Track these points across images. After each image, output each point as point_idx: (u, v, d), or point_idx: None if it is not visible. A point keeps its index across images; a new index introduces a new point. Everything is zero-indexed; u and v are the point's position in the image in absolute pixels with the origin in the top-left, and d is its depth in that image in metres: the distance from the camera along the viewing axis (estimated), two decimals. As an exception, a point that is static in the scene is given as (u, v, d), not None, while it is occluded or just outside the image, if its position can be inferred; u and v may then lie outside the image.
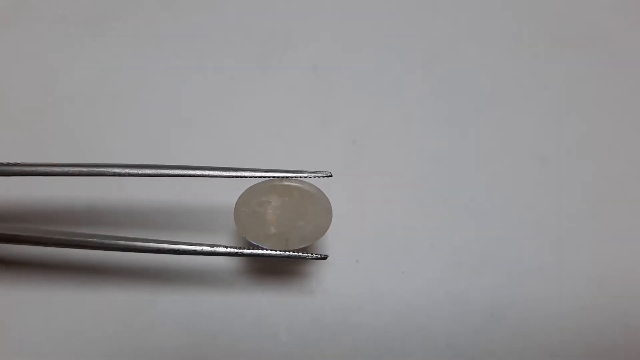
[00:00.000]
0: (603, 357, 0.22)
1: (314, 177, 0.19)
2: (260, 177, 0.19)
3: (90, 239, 0.19)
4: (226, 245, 0.19)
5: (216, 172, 0.19)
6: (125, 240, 0.19)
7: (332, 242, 0.23)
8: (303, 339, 0.22)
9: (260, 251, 0.19)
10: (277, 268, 0.22)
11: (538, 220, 0.23)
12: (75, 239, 0.19)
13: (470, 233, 0.23)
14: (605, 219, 0.24)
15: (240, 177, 0.19)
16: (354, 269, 0.23)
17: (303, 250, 0.19)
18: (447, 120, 0.25)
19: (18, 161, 0.19)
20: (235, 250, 0.19)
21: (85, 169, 0.19)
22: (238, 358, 0.21)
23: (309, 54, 0.26)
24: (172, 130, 0.24)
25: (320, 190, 0.19)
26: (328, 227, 0.19)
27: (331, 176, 0.19)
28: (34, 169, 0.19)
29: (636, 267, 0.23)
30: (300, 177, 0.19)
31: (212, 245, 0.19)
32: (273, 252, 0.19)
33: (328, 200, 0.19)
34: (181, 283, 0.22)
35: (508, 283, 0.22)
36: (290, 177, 0.19)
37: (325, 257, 0.20)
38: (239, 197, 0.19)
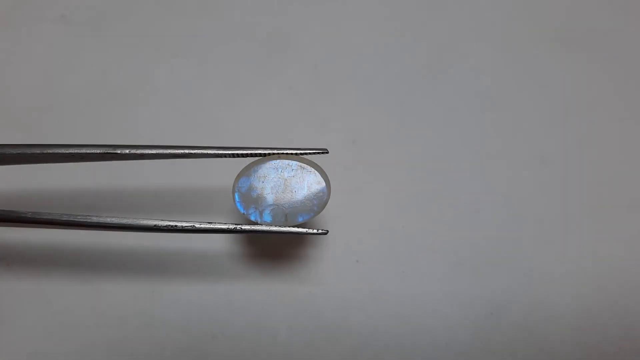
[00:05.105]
0: (603, 357, 0.22)
1: (310, 153, 0.19)
2: (257, 154, 0.19)
3: (86, 219, 0.19)
4: (225, 222, 0.19)
5: (214, 150, 0.19)
6: (124, 219, 0.19)
7: (332, 242, 0.23)
8: (303, 339, 0.22)
9: (259, 227, 0.19)
10: (277, 267, 0.23)
11: (538, 220, 0.23)
12: (70, 219, 0.19)
13: (470, 233, 0.23)
14: (605, 219, 0.24)
15: (238, 155, 0.19)
16: (354, 269, 0.23)
17: (303, 226, 0.19)
18: (447, 120, 0.25)
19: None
20: (234, 227, 0.19)
21: (77, 151, 0.19)
22: (238, 358, 0.21)
23: (309, 54, 0.26)
24: (172, 130, 0.25)
25: (318, 165, 0.19)
26: (327, 201, 0.19)
27: (327, 152, 0.19)
28: (28, 151, 0.19)
29: (636, 267, 0.23)
30: (297, 153, 0.19)
31: (210, 223, 0.19)
32: (272, 228, 0.19)
33: (325, 174, 0.19)
34: (181, 282, 0.22)
35: (508, 283, 0.22)
36: (287, 153, 0.19)
37: (325, 232, 0.19)
38: (238, 174, 0.19)
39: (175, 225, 0.19)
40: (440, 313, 0.22)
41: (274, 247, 0.23)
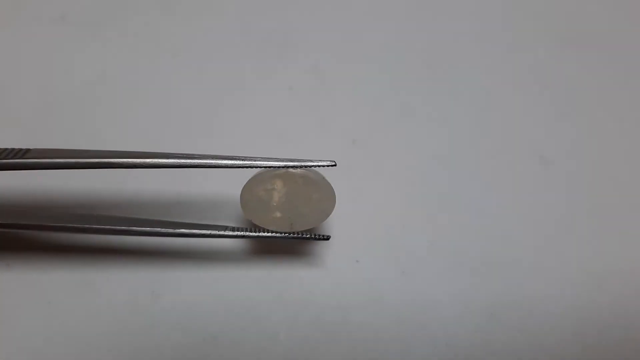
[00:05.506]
0: (603, 357, 0.22)
1: (318, 166, 0.19)
2: (266, 166, 0.19)
3: (102, 225, 0.20)
4: (233, 227, 0.20)
5: (224, 161, 0.19)
6: (133, 226, 0.20)
7: (332, 242, 0.23)
8: (303, 339, 0.22)
9: (265, 233, 0.20)
10: (277, 267, 0.22)
11: (538, 220, 0.23)
12: (88, 226, 0.20)
13: (470, 233, 0.23)
14: (605, 219, 0.24)
15: (247, 166, 0.19)
16: (354, 269, 0.23)
17: (306, 232, 0.20)
18: (447, 120, 0.25)
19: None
20: (242, 233, 0.20)
21: (92, 160, 0.19)
22: (238, 358, 0.21)
23: (309, 54, 0.26)
24: (172, 130, 0.25)
25: (324, 178, 0.20)
26: (331, 212, 0.20)
27: (335, 165, 0.19)
28: (38, 161, 0.19)
29: (636, 266, 0.23)
30: (305, 166, 0.19)
31: (219, 229, 0.20)
32: (277, 235, 0.20)
33: (331, 187, 0.20)
34: (181, 282, 0.22)
35: (508, 283, 0.22)
36: (295, 166, 0.19)
37: (327, 238, 0.20)
38: (245, 185, 0.20)
39: (186, 232, 0.20)
40: (440, 313, 0.22)
41: (274, 247, 0.23)
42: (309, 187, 0.19)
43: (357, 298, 0.22)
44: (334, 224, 0.23)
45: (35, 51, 0.26)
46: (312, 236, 0.20)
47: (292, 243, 0.23)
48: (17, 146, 0.24)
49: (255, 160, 0.19)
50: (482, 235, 0.23)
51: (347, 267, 0.23)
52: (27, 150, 0.19)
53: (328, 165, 0.19)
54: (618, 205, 0.24)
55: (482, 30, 0.27)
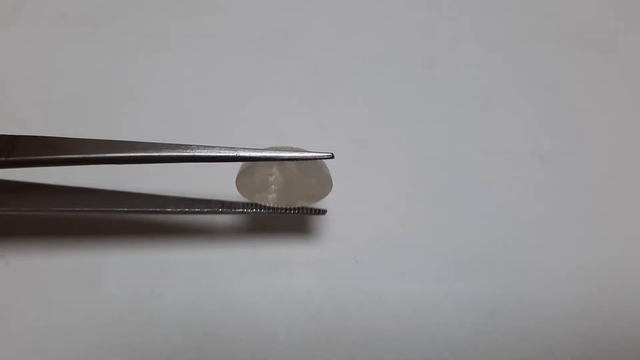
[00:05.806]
0: (603, 357, 0.22)
1: (316, 158, 0.19)
2: (264, 157, 0.19)
3: (95, 208, 0.20)
4: (230, 202, 0.20)
5: (221, 152, 0.19)
6: (127, 206, 0.20)
7: (332, 242, 0.23)
8: (302, 339, 0.22)
9: (261, 210, 0.20)
10: (277, 267, 0.22)
11: (538, 220, 0.23)
12: (80, 209, 0.20)
13: (470, 233, 0.23)
14: (605, 219, 0.24)
15: (245, 159, 0.19)
16: (354, 269, 0.23)
17: (302, 208, 0.21)
18: (447, 120, 0.25)
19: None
20: (240, 210, 0.20)
21: (79, 157, 0.19)
22: (238, 358, 0.21)
23: (309, 54, 0.26)
24: (172, 130, 0.25)
25: (322, 166, 0.20)
26: (327, 194, 0.20)
27: (333, 157, 0.19)
28: (25, 158, 0.19)
29: (636, 267, 0.23)
30: (303, 158, 0.19)
31: (215, 205, 0.20)
32: (273, 212, 0.20)
33: (328, 173, 0.20)
34: (181, 282, 0.22)
35: (508, 283, 0.22)
36: (293, 158, 0.19)
37: (324, 212, 0.21)
38: (242, 171, 0.20)
39: (181, 210, 0.20)
40: (439, 313, 0.22)
41: (274, 247, 0.23)
42: (305, 174, 0.19)
43: (356, 298, 0.22)
44: (333, 224, 0.23)
45: (35, 51, 0.26)
46: (309, 211, 0.21)
47: (292, 241, 0.23)
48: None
49: (252, 152, 0.19)
50: (482, 235, 0.23)
51: (346, 266, 0.23)
52: (16, 139, 0.19)
53: (326, 157, 0.19)
54: (618, 205, 0.24)
55: (482, 30, 0.27)
